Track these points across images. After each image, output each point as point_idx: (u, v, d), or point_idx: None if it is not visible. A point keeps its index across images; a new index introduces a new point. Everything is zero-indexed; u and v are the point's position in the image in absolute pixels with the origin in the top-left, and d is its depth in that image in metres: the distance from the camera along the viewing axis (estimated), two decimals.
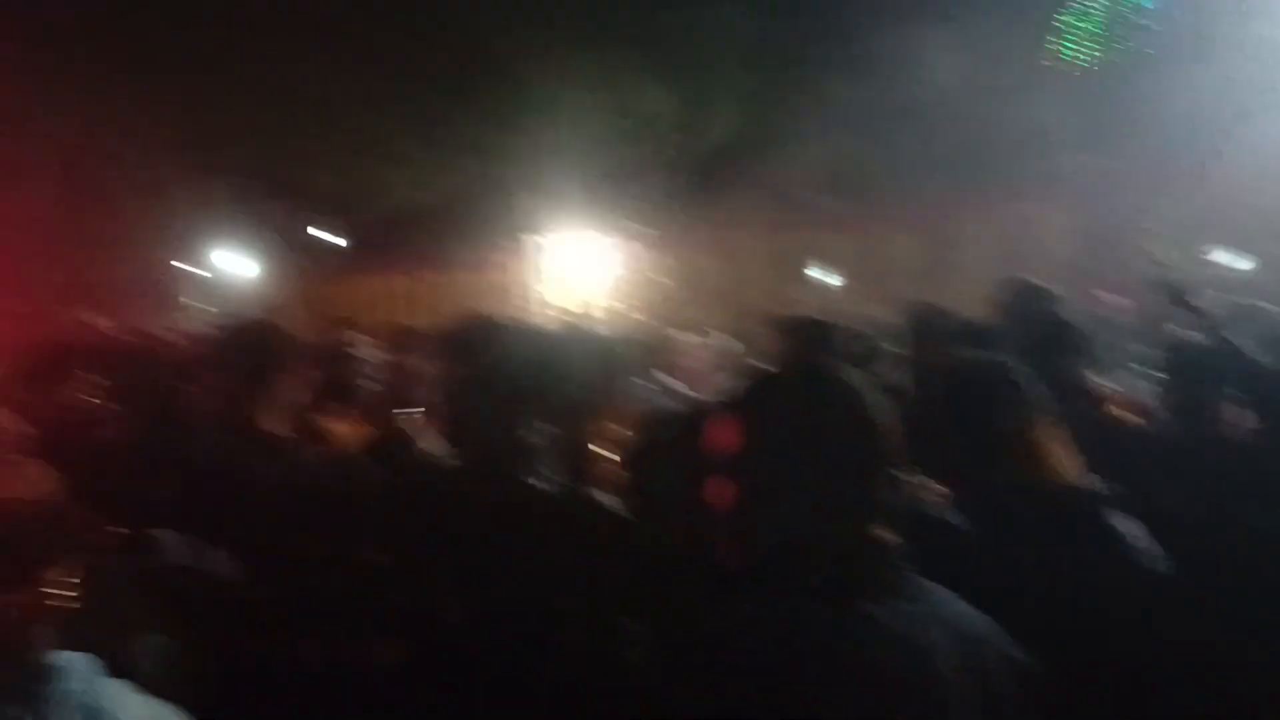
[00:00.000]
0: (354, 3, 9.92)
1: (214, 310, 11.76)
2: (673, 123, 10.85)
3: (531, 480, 1.99)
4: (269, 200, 12.28)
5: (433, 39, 10.24)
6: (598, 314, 9.81)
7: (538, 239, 11.62)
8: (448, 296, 11.83)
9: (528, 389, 2.05)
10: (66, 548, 1.33)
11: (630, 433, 2.08)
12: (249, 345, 2.51)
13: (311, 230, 13.53)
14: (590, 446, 2.28)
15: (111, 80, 9.63)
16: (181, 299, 13.34)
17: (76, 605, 1.31)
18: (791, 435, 1.33)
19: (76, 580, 1.32)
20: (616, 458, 2.12)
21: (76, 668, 1.28)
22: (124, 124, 10.20)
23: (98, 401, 3.26)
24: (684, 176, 10.69)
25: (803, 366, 1.75)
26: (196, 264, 13.30)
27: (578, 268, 11.26)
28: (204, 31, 9.56)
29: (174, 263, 13.28)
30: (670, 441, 1.81)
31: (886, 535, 1.31)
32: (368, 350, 3.38)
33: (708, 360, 4.38)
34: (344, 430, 2.87)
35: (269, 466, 2.29)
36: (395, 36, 10.17)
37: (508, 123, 11.20)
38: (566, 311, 9.27)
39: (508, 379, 2.08)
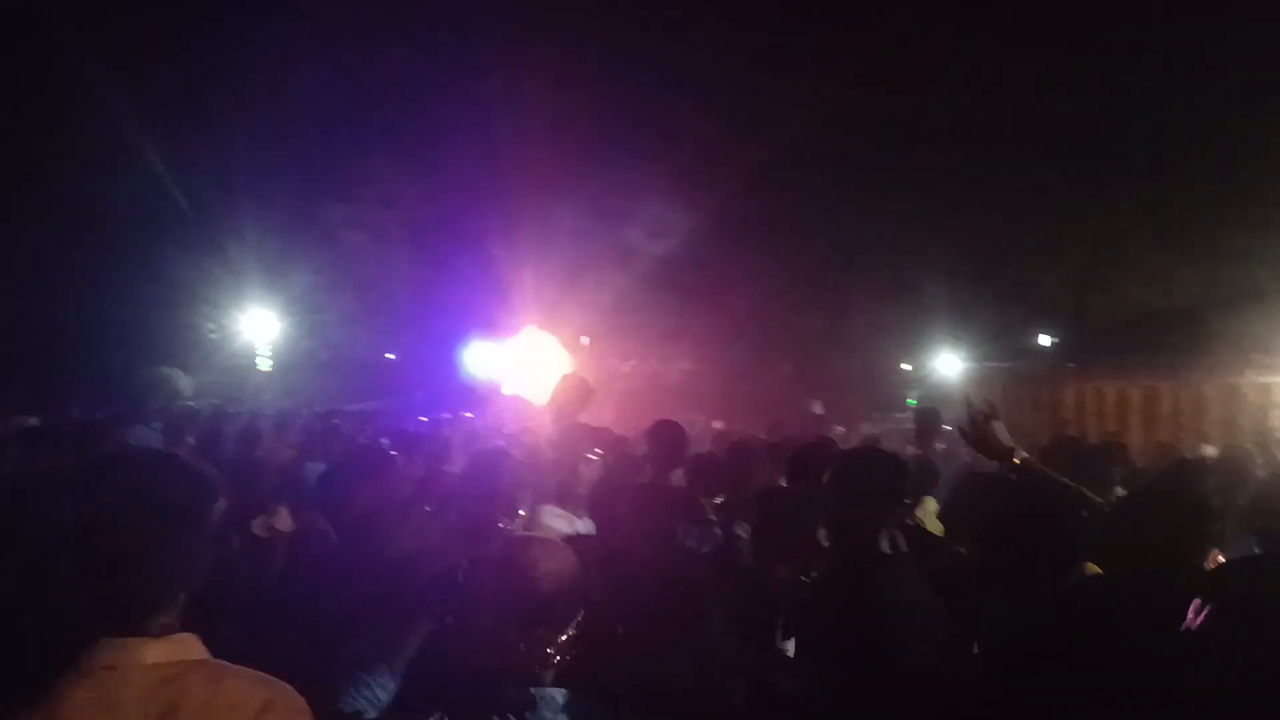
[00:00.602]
0: (1073, 106, 9.84)
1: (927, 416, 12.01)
2: None
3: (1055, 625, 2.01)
4: (994, 303, 12.54)
5: (1179, 137, 9.58)
6: None
7: None
8: (1173, 411, 10.65)
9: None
10: (573, 615, 1.71)
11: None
12: (874, 473, 2.61)
13: (1041, 335, 13.48)
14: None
15: (839, 188, 10.86)
16: (899, 398, 14.10)
17: (569, 655, 1.68)
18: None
19: (574, 636, 1.70)
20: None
21: (555, 700, 1.63)
22: (849, 231, 11.36)
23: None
24: None
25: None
26: (915, 365, 14.12)
27: None
28: (932, 138, 10.25)
29: (899, 363, 14.32)
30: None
31: None
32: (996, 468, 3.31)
33: None
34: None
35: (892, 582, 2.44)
36: (1133, 140, 9.77)
37: (1265, 225, 9.82)
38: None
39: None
